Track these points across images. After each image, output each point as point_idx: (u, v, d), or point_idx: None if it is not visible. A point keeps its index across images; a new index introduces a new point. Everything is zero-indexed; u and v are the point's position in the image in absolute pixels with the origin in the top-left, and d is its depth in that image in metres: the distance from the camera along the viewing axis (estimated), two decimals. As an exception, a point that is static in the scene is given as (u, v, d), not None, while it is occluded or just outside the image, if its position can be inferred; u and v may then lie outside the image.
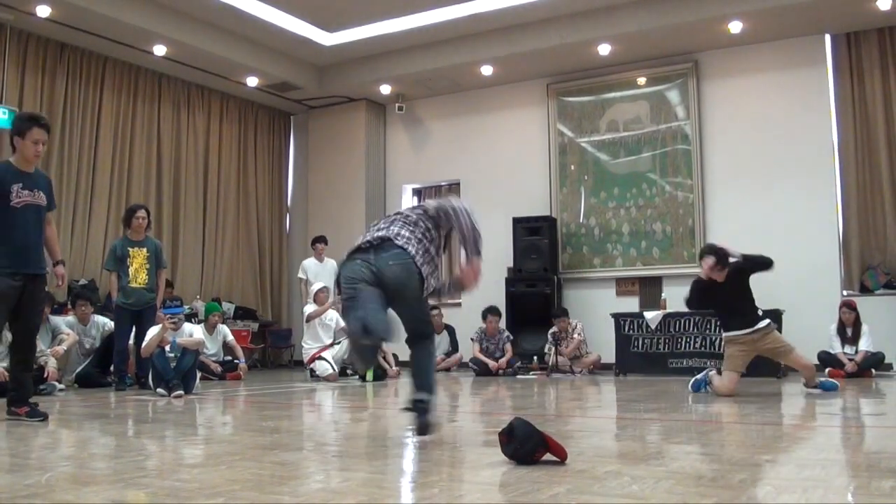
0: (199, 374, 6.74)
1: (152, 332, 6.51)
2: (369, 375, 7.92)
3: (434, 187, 11.60)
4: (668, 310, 8.50)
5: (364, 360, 3.58)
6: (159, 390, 6.20)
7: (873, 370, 7.75)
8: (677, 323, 8.34)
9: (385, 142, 11.84)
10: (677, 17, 8.83)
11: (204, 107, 10.89)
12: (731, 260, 5.88)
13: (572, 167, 10.29)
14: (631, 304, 9.65)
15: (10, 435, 3.79)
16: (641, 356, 8.46)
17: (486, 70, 10.26)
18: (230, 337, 8.53)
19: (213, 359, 8.23)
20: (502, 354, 9.08)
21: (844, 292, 8.68)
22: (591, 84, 10.24)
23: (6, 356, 5.33)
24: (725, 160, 9.45)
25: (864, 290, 8.64)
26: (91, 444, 3.68)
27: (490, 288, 9.93)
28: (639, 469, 2.63)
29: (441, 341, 9.54)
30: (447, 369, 9.47)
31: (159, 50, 9.41)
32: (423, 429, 3.38)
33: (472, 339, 9.20)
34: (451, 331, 9.83)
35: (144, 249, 7.22)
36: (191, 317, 8.67)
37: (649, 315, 8.53)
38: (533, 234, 9.85)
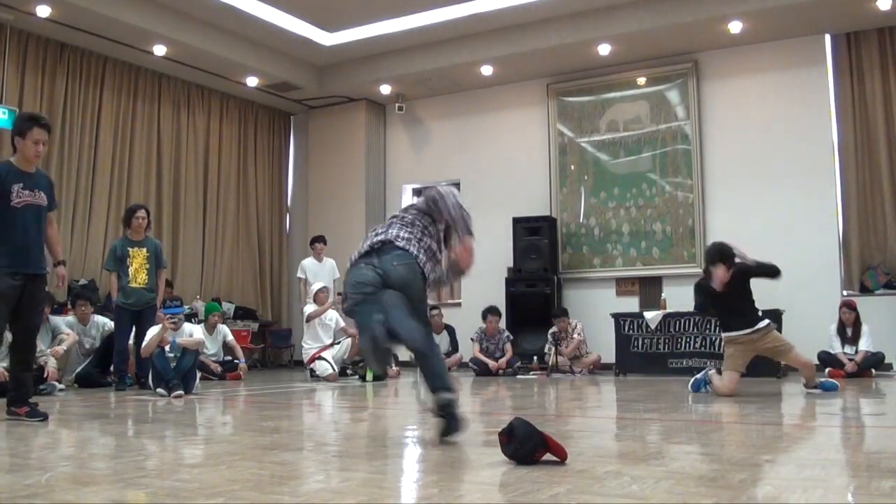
0: (199, 374, 6.74)
1: (152, 332, 6.51)
2: (369, 375, 7.92)
3: (434, 187, 11.58)
4: (668, 310, 8.50)
5: (381, 364, 3.47)
6: (159, 390, 6.20)
7: (873, 370, 7.75)
8: (677, 323, 8.34)
9: (385, 142, 11.84)
10: (677, 17, 8.84)
11: (204, 107, 10.89)
12: (737, 260, 5.87)
13: (572, 167, 10.29)
14: (631, 304, 9.66)
15: (10, 435, 3.79)
16: (641, 356, 8.46)
17: (486, 70, 10.26)
18: (230, 337, 8.53)
19: (213, 359, 8.23)
20: (502, 354, 9.08)
21: (844, 292, 8.68)
22: (591, 84, 10.24)
23: (6, 356, 5.33)
24: (725, 160, 9.45)
25: (864, 290, 8.64)
26: (91, 444, 3.68)
27: (490, 288, 9.97)
28: (639, 469, 2.63)
29: (441, 341, 9.54)
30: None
31: (159, 50, 9.41)
32: (457, 427, 3.26)
33: (472, 339, 9.20)
34: (451, 331, 9.82)
35: (144, 249, 7.22)
36: (191, 317, 8.67)
37: (649, 315, 8.53)
38: (533, 234, 9.85)
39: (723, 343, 6.16)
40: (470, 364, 9.15)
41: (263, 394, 6.69)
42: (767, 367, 7.29)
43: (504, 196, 10.54)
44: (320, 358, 8.29)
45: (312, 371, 8.31)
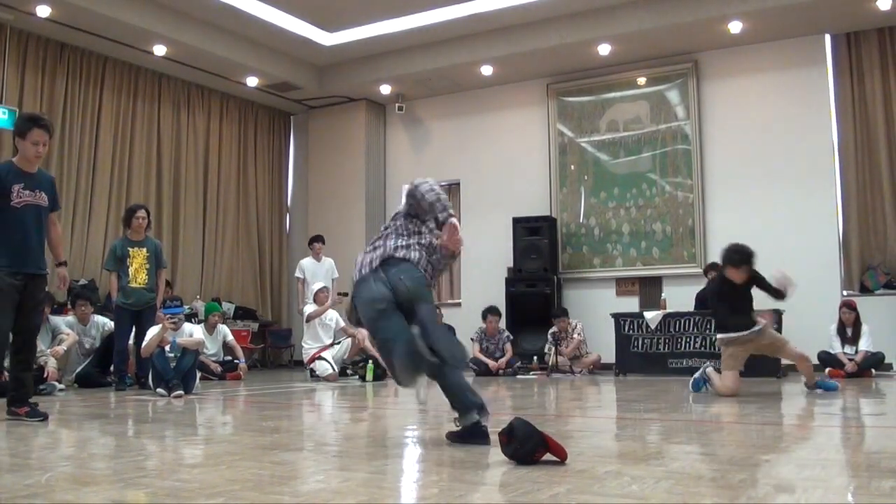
0: (198, 374, 6.73)
1: (152, 332, 6.50)
2: (369, 375, 7.93)
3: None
4: (668, 310, 8.50)
5: (413, 378, 3.36)
6: (159, 390, 6.20)
7: (873, 370, 7.75)
8: (677, 323, 8.34)
9: (385, 142, 11.84)
10: (677, 17, 8.83)
11: (204, 107, 10.89)
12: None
13: (572, 167, 10.29)
14: (631, 304, 9.65)
15: (10, 435, 3.79)
16: (641, 356, 8.46)
17: (486, 70, 10.26)
18: (230, 337, 8.53)
19: (213, 359, 8.23)
20: (502, 354, 9.08)
21: (844, 292, 8.68)
22: (591, 84, 10.24)
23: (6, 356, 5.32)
24: (725, 160, 9.45)
25: (864, 290, 8.64)
26: (91, 444, 3.68)
27: (490, 288, 9.97)
28: (639, 469, 2.63)
29: (441, 341, 9.52)
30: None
31: (159, 50, 9.41)
32: (487, 437, 3.19)
33: (472, 339, 9.20)
34: (450, 331, 9.81)
35: (144, 249, 7.22)
36: (191, 317, 8.67)
37: (649, 315, 8.53)
38: (533, 234, 9.85)
39: (718, 344, 6.16)
40: (470, 364, 9.14)
41: (263, 394, 6.69)
42: (767, 367, 7.30)
43: (504, 196, 10.54)
44: (320, 358, 8.29)
45: (312, 371, 8.31)
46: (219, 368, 8.19)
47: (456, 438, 3.25)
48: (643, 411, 4.89)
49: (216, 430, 4.24)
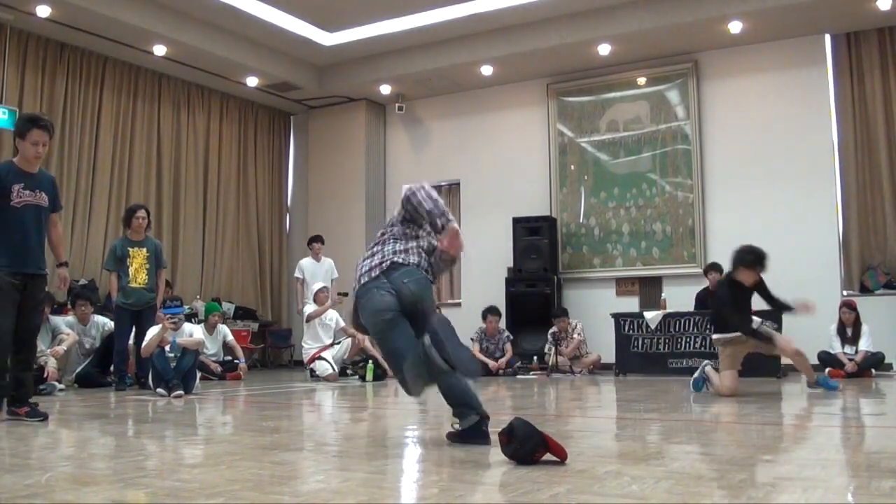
0: (198, 374, 6.73)
1: (152, 332, 6.51)
2: (369, 375, 7.93)
3: (434, 187, 11.57)
4: (668, 310, 8.50)
5: (422, 387, 3.36)
6: (159, 390, 6.20)
7: (873, 370, 7.75)
8: (677, 323, 8.34)
9: (385, 142, 11.84)
10: (677, 17, 8.83)
11: (204, 107, 10.89)
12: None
13: (572, 167, 10.29)
14: (631, 304, 9.66)
15: (10, 435, 3.79)
16: (641, 356, 8.46)
17: (486, 70, 10.26)
18: (230, 337, 8.53)
19: (213, 359, 8.23)
20: (502, 354, 9.08)
21: (844, 292, 8.68)
22: (591, 84, 10.24)
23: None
24: (725, 160, 9.45)
25: (864, 290, 8.65)
26: (91, 444, 3.68)
27: (490, 288, 9.97)
28: (639, 469, 2.63)
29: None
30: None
31: (159, 50, 9.41)
32: (487, 437, 3.20)
33: (471, 339, 9.19)
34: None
35: (144, 249, 7.22)
36: (191, 317, 8.67)
37: (649, 315, 8.53)
38: (533, 234, 9.85)
39: (715, 345, 6.15)
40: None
41: (263, 394, 6.68)
42: (767, 367, 7.30)
43: (504, 196, 10.54)
44: (320, 358, 8.29)
45: (312, 371, 8.31)
46: (219, 368, 8.19)
47: (456, 438, 3.25)
48: (643, 411, 4.89)
49: (216, 430, 4.24)
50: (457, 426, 3.26)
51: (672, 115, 9.74)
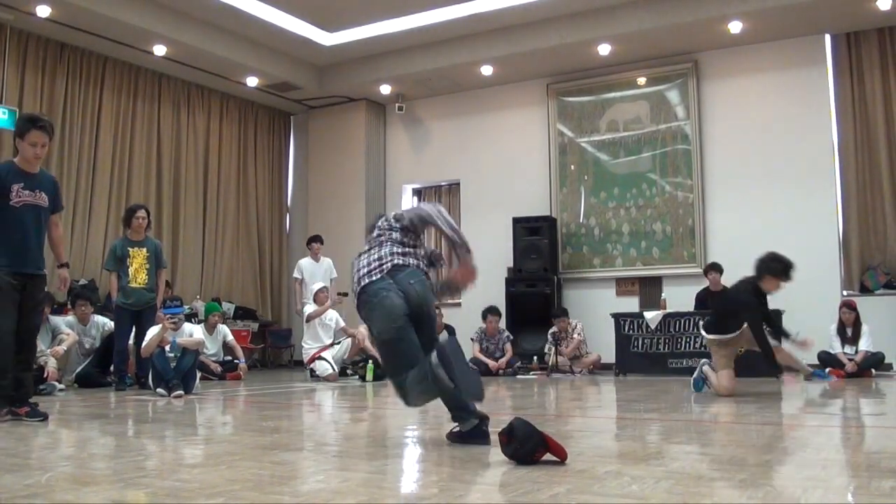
0: (198, 374, 6.74)
1: (152, 332, 6.51)
2: (369, 375, 7.93)
3: (434, 187, 11.61)
4: (668, 310, 8.50)
5: (426, 400, 3.35)
6: (159, 390, 6.20)
7: (873, 370, 7.75)
8: (677, 323, 8.34)
9: (385, 142, 11.84)
10: (677, 17, 8.83)
11: (204, 107, 10.89)
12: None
13: (572, 167, 10.29)
14: (631, 304, 9.65)
15: (10, 435, 3.79)
16: (641, 356, 8.47)
17: (486, 70, 10.26)
18: (230, 337, 8.53)
19: (213, 359, 8.23)
20: (502, 354, 9.08)
21: (844, 292, 8.68)
22: (591, 84, 10.24)
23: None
24: (725, 160, 9.45)
25: (864, 290, 8.64)
26: (91, 444, 3.68)
27: (490, 288, 9.95)
28: (639, 469, 2.63)
29: (441, 341, 9.52)
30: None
31: (159, 50, 9.41)
32: (487, 437, 3.20)
33: (472, 339, 9.20)
34: (450, 331, 9.79)
35: (144, 249, 7.22)
36: (191, 317, 8.67)
37: (649, 315, 8.53)
38: (533, 234, 9.85)
39: (709, 345, 6.14)
40: (470, 364, 9.12)
41: (263, 394, 6.68)
42: (767, 367, 7.29)
43: (504, 196, 10.54)
44: (320, 358, 8.29)
45: (312, 371, 8.31)
46: (219, 368, 8.19)
47: (456, 438, 3.25)
48: (643, 411, 4.89)
49: (216, 430, 4.24)
50: (457, 429, 3.26)
51: (672, 115, 9.74)
